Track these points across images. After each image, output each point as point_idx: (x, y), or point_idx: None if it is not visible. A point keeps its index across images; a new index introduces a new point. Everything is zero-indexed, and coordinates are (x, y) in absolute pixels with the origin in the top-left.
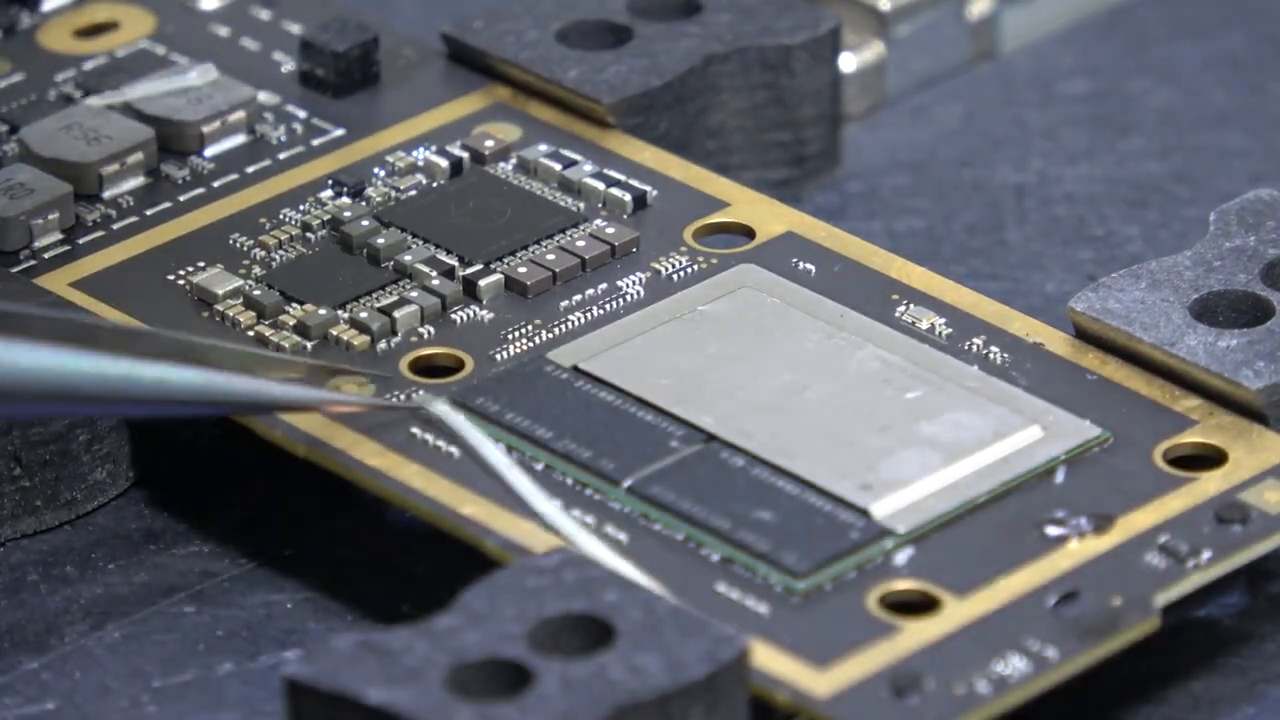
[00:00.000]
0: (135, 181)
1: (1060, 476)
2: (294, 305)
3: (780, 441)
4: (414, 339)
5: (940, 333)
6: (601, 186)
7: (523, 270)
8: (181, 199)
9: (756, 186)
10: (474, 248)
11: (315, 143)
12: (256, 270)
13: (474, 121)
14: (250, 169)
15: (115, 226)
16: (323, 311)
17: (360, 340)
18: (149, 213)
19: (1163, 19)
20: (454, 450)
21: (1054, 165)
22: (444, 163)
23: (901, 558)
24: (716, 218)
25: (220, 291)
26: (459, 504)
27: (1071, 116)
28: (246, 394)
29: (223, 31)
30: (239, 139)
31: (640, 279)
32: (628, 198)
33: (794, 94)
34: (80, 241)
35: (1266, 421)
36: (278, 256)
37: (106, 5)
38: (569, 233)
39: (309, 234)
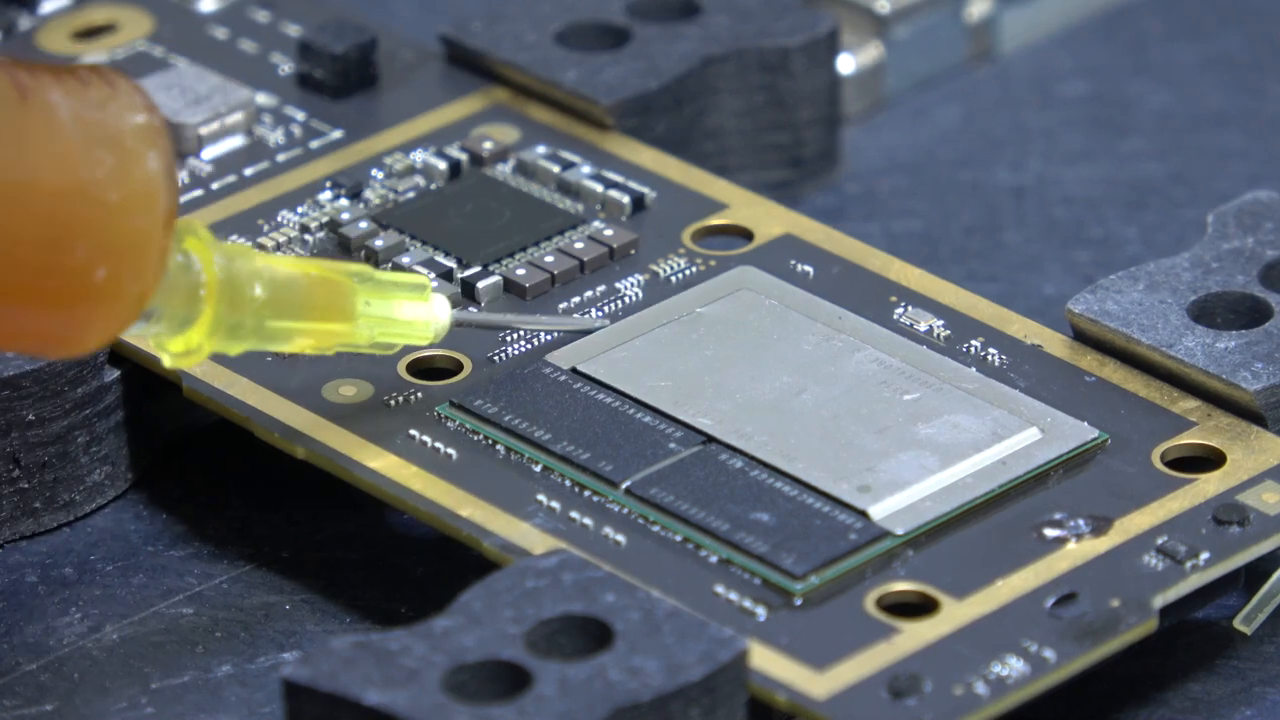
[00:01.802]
0: None
1: (1058, 478)
2: None
3: (779, 443)
4: None
5: (938, 334)
6: (600, 188)
7: (521, 272)
8: (180, 200)
9: (755, 188)
10: (472, 250)
11: (313, 144)
12: None
13: (472, 123)
14: (249, 171)
15: None
16: None
17: None
18: None
19: (1161, 20)
20: (452, 452)
21: (1052, 167)
22: (442, 164)
23: (900, 560)
24: (715, 219)
25: None
26: (457, 506)
27: (1070, 118)
28: None
29: (221, 33)
30: (237, 141)
31: (639, 281)
32: (626, 199)
33: (792, 96)
34: None
35: (1265, 423)
36: None
37: (105, 7)
38: (567, 234)
39: (307, 236)
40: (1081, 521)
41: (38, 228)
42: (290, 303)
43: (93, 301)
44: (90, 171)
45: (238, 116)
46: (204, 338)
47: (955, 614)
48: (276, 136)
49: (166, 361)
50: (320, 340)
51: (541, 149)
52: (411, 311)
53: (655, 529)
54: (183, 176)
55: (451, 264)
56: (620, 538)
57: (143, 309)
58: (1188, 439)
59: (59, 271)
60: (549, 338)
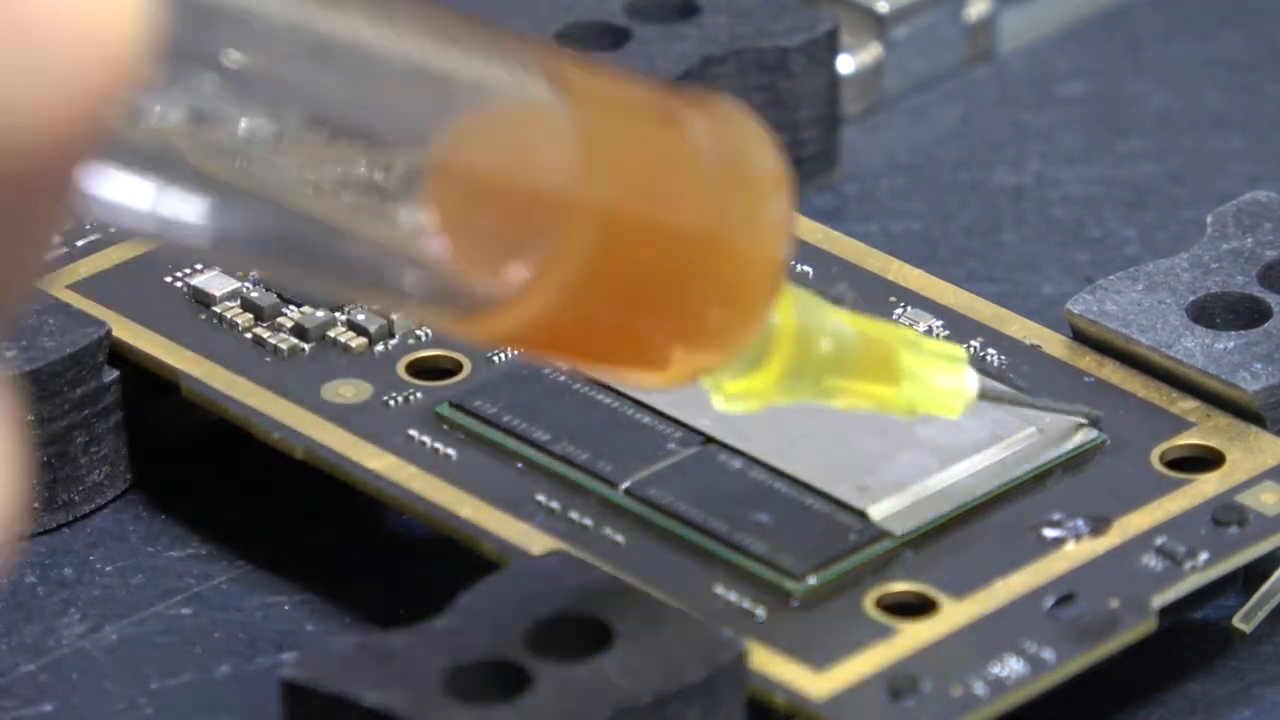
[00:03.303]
0: None
1: (1057, 479)
2: (291, 307)
3: (778, 444)
4: (411, 341)
5: (937, 335)
6: None
7: None
8: None
9: None
10: None
11: None
12: (254, 272)
13: None
14: None
15: (113, 229)
16: (320, 314)
17: (358, 343)
18: None
19: (1160, 20)
20: (452, 452)
21: (1051, 167)
22: None
23: (899, 560)
24: None
25: (218, 294)
26: (457, 506)
27: (1069, 118)
28: None
29: None
30: None
31: None
32: None
33: (791, 96)
34: (78, 244)
35: (1264, 423)
36: None
37: None
38: None
39: None
40: (1080, 522)
41: (665, 261)
42: (850, 361)
43: (700, 341)
44: (725, 212)
45: None
46: (769, 384)
47: (954, 614)
48: None
49: (719, 403)
50: (862, 400)
51: None
52: (947, 381)
53: (655, 530)
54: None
55: None
56: (620, 538)
57: (739, 353)
58: (1187, 439)
59: (674, 307)
60: None
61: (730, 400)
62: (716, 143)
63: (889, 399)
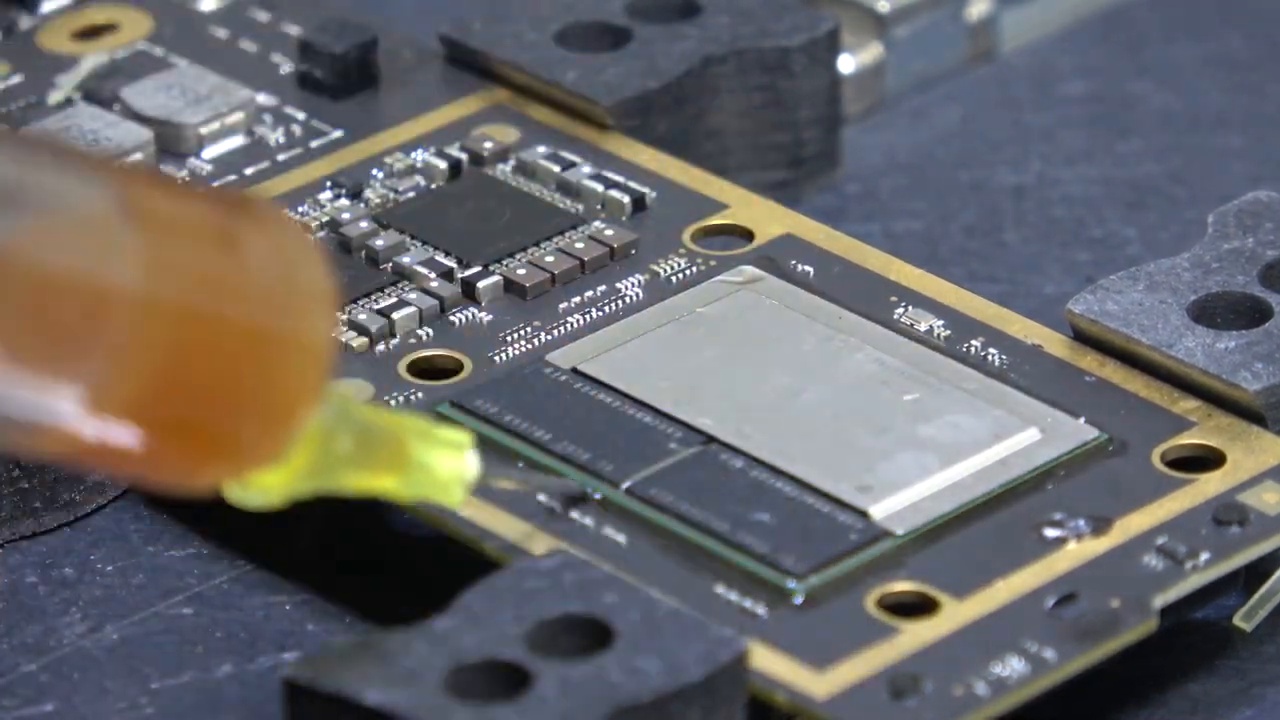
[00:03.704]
0: None
1: (1058, 478)
2: None
3: (779, 443)
4: (413, 341)
5: (938, 335)
6: (600, 188)
7: (521, 272)
8: None
9: (755, 188)
10: (473, 249)
11: (314, 144)
12: None
13: (473, 123)
14: (249, 171)
15: None
16: None
17: (359, 342)
18: None
19: (1161, 20)
20: None
21: (1052, 167)
22: (443, 164)
23: (900, 560)
24: (715, 219)
25: None
26: (458, 506)
27: (1070, 118)
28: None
29: (221, 33)
30: (237, 141)
31: (639, 281)
32: (626, 199)
33: (792, 95)
34: None
35: (1265, 423)
36: None
37: (105, 7)
38: (568, 234)
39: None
40: (1081, 522)
41: (214, 372)
42: (364, 455)
43: (239, 449)
44: (273, 328)
45: (238, 116)
46: (287, 481)
47: (955, 614)
48: (277, 136)
49: (232, 495)
50: (371, 490)
51: (542, 149)
52: (451, 466)
53: (655, 529)
54: (183, 176)
55: (452, 264)
56: (620, 538)
57: (265, 466)
58: (1188, 439)
59: (220, 416)
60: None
61: (245, 493)
62: (270, 261)
63: (395, 489)
